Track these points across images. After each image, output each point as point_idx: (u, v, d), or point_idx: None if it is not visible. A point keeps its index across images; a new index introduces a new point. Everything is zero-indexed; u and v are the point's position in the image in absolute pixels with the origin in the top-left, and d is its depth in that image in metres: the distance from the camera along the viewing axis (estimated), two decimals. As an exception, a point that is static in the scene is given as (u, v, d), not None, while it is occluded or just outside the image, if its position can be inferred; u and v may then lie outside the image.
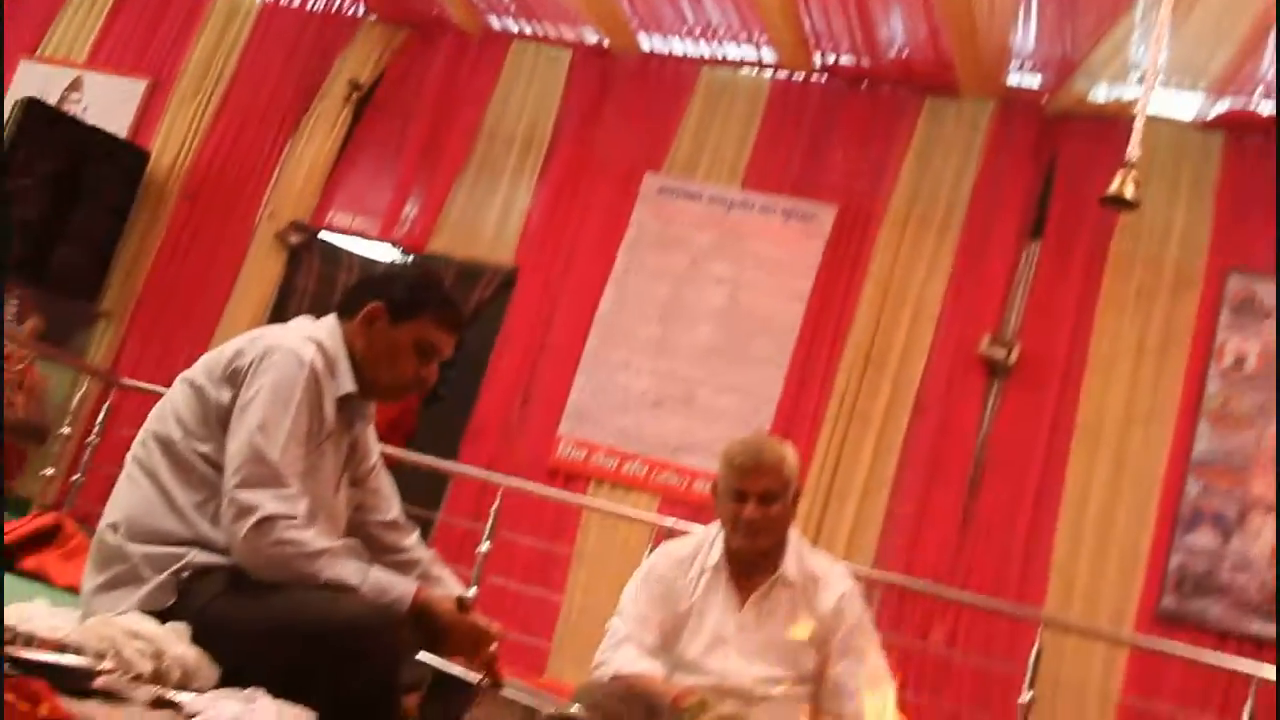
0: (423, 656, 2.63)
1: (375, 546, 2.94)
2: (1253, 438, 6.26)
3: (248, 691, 2.18)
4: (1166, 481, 6.27)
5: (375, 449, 2.96)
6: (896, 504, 6.59)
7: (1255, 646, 5.72)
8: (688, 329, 7.15)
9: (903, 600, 6.38)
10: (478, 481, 6.78)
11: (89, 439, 7.00)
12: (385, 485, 2.98)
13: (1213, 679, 5.69)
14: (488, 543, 5.93)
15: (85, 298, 8.16)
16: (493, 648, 2.65)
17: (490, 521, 5.92)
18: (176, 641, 2.27)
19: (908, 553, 6.49)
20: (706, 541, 3.35)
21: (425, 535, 3.40)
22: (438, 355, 2.88)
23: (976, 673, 6.11)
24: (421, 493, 6.25)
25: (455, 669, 2.63)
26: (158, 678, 2.23)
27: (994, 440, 6.60)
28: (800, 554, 3.31)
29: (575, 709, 2.76)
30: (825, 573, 3.30)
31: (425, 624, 2.59)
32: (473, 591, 5.71)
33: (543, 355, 7.36)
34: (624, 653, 3.18)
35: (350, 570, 2.56)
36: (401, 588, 2.59)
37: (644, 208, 7.41)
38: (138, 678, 2.20)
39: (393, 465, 3.17)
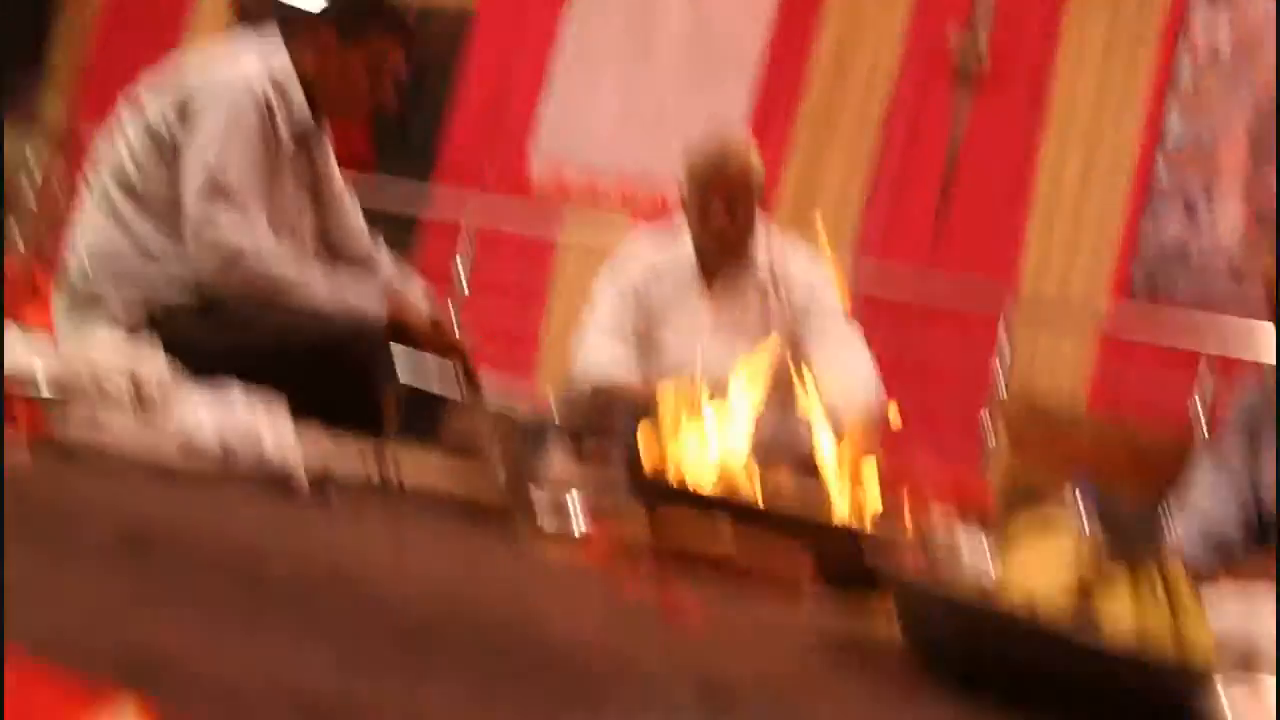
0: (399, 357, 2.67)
1: (344, 257, 2.95)
2: (1222, 120, 6.23)
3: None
4: (1138, 166, 6.28)
5: (337, 175, 2.94)
6: (872, 205, 6.61)
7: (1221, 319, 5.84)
8: (656, 46, 7.02)
9: (878, 311, 6.47)
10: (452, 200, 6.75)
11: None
12: (351, 215, 2.97)
13: (1182, 352, 5.83)
14: (464, 280, 5.94)
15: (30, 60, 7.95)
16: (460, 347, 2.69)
17: (462, 257, 5.92)
18: (152, 359, 2.28)
19: (885, 252, 6.54)
20: (677, 242, 3.34)
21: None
22: (391, 71, 2.83)
23: (953, 364, 6.24)
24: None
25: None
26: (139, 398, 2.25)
27: (967, 138, 6.57)
28: (771, 245, 3.30)
29: (551, 414, 2.82)
30: (796, 259, 3.31)
31: (398, 334, 2.63)
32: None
33: (509, 77, 7.24)
34: (598, 358, 3.22)
35: (321, 294, 2.58)
36: (375, 304, 2.62)
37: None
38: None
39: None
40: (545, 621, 1.32)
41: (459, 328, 2.78)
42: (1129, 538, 1.56)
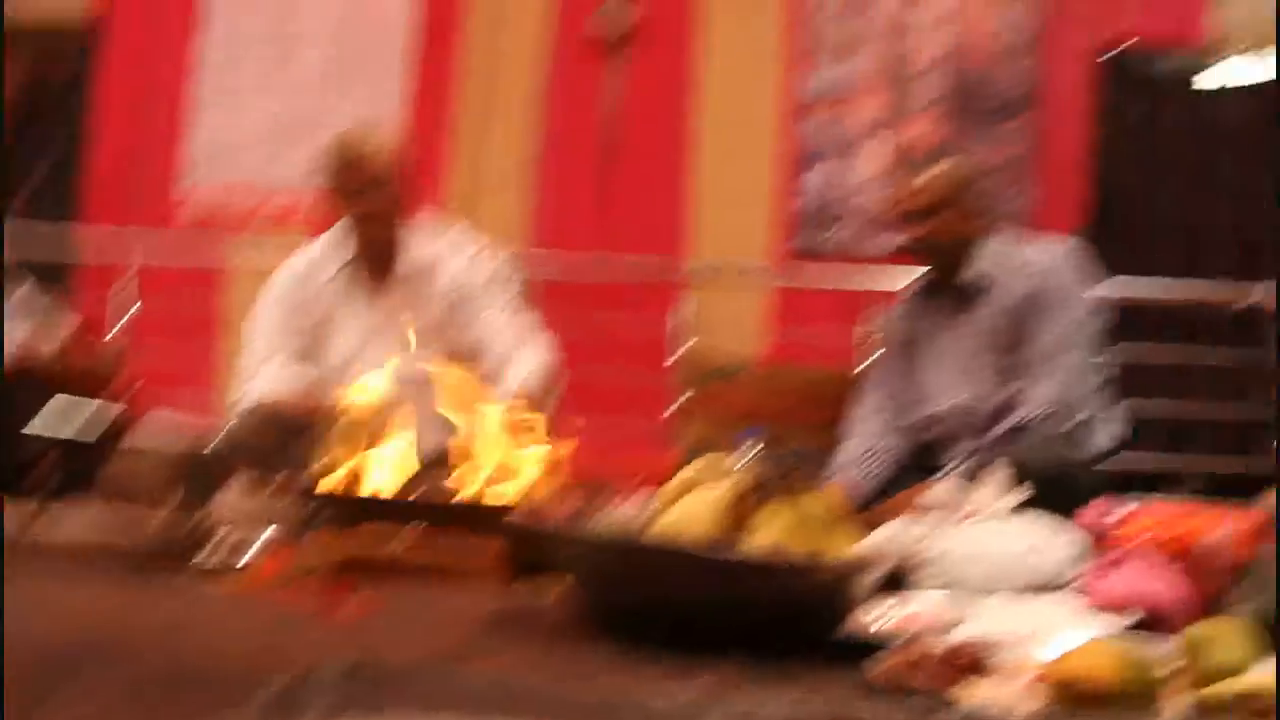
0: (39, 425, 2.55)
1: None
2: (854, 66, 6.59)
3: None
4: (784, 121, 6.56)
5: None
6: (535, 191, 6.68)
7: (879, 263, 6.20)
8: (298, 53, 6.85)
9: (549, 291, 6.56)
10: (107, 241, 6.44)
11: None
12: None
13: (847, 297, 6.16)
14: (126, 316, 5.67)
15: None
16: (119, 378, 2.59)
17: (124, 292, 5.65)
18: None
19: (554, 237, 6.62)
20: (331, 245, 3.30)
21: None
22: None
23: (634, 339, 6.38)
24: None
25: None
26: None
27: (621, 110, 6.71)
28: (425, 236, 3.29)
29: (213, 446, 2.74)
30: (452, 243, 3.31)
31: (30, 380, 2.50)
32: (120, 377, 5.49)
33: (148, 106, 6.93)
34: (259, 380, 3.14)
35: None
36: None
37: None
38: None
39: None
40: (190, 644, 1.29)
41: (116, 366, 2.65)
42: (787, 476, 1.64)
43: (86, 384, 2.58)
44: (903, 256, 3.15)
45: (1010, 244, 3.03)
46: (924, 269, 3.09)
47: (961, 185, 2.99)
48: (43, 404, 2.57)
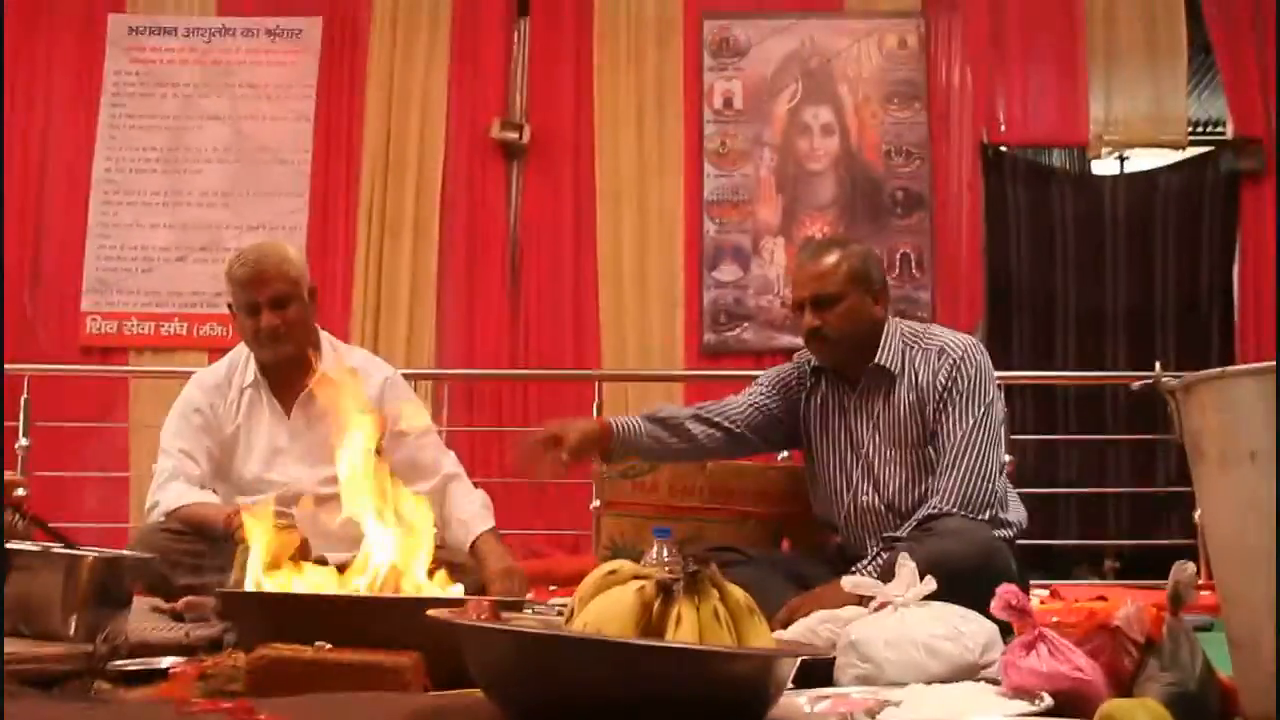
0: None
1: None
2: (752, 171, 6.73)
3: None
4: (687, 226, 6.67)
5: None
6: (445, 304, 6.69)
7: (785, 357, 6.27)
8: (195, 175, 6.83)
9: (471, 394, 6.55)
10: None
11: None
12: None
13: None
14: (25, 439, 5.54)
15: None
16: (18, 491, 2.52)
17: (22, 413, 5.53)
18: None
19: (467, 348, 6.63)
20: (239, 361, 3.28)
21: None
22: None
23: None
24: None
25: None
26: None
27: (525, 222, 6.77)
28: (337, 351, 3.30)
29: (126, 553, 2.69)
30: (364, 364, 3.31)
31: None
32: (21, 492, 5.36)
33: (43, 231, 6.85)
34: (172, 488, 3.12)
35: None
36: None
37: (117, 53, 6.91)
38: None
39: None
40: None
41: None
42: (694, 574, 1.64)
43: None
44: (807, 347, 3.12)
45: (913, 334, 3.03)
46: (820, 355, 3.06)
47: (859, 273, 2.99)
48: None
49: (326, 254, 6.60)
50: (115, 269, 6.77)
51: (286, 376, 3.22)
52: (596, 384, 5.79)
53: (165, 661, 2.20)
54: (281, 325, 3.11)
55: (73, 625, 2.33)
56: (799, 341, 3.15)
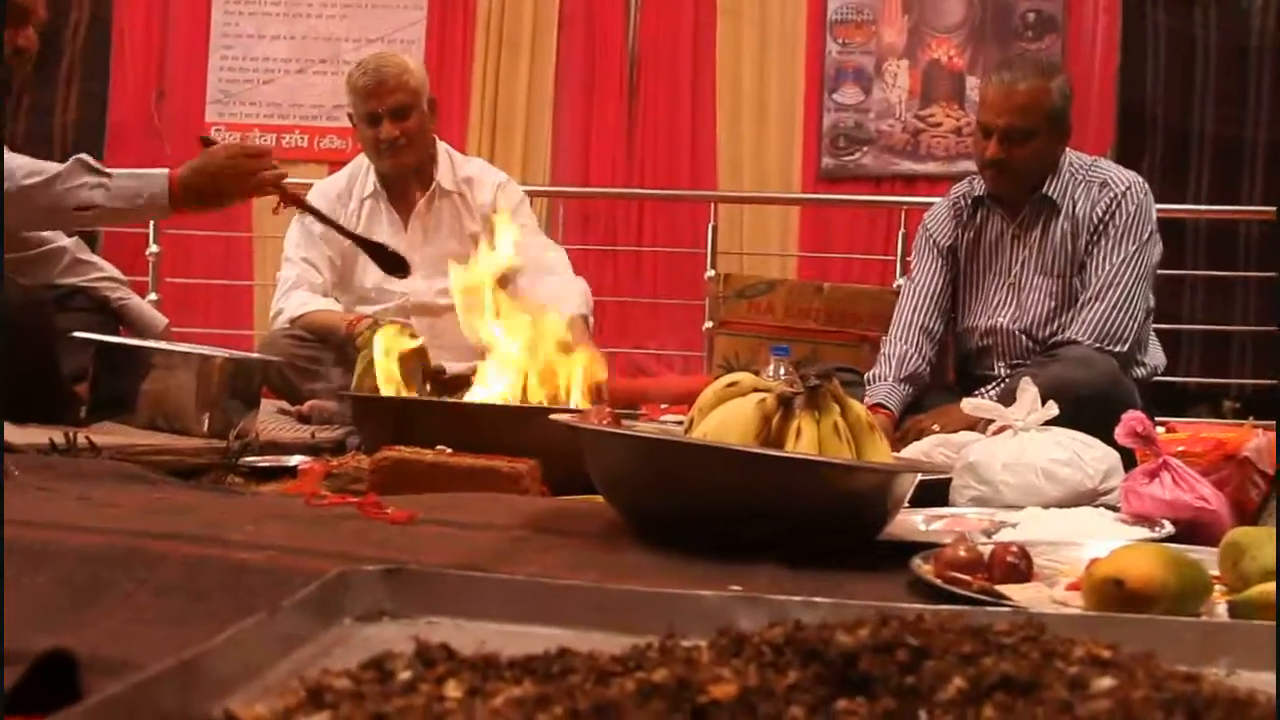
0: (82, 335, 2.57)
1: (9, 239, 2.79)
2: (878, -13, 6.51)
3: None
4: (809, 46, 6.50)
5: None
6: (561, 121, 6.63)
7: (905, 184, 6.15)
8: (316, -16, 6.81)
9: (586, 212, 6.55)
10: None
11: None
12: None
13: (872, 220, 6.13)
14: (155, 246, 5.68)
15: None
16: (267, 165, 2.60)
17: (152, 222, 5.65)
18: None
19: (582, 165, 6.60)
20: (359, 171, 3.31)
21: (93, 248, 3.26)
22: (28, 17, 2.60)
23: (665, 264, 6.37)
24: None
25: (120, 340, 2.59)
26: None
27: (643, 39, 6.65)
28: (453, 163, 3.32)
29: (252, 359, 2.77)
30: (479, 172, 3.33)
31: (199, 185, 2.51)
32: (153, 297, 5.52)
33: (168, 42, 6.90)
34: (296, 297, 3.18)
35: (90, 185, 2.43)
36: (151, 181, 2.49)
37: None
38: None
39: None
40: (231, 539, 1.30)
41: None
42: (816, 387, 1.63)
43: (250, 168, 2.58)
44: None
45: (1081, 166, 2.93)
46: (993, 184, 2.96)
47: (1057, 111, 2.86)
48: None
49: (444, 68, 6.55)
50: (237, 80, 6.82)
51: (405, 188, 3.25)
52: (711, 206, 5.73)
53: (293, 460, 2.27)
54: (401, 136, 3.13)
55: (206, 422, 2.43)
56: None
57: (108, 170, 2.50)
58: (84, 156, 2.54)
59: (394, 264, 2.76)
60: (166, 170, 2.52)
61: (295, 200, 2.67)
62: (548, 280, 3.22)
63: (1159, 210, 5.48)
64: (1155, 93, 6.39)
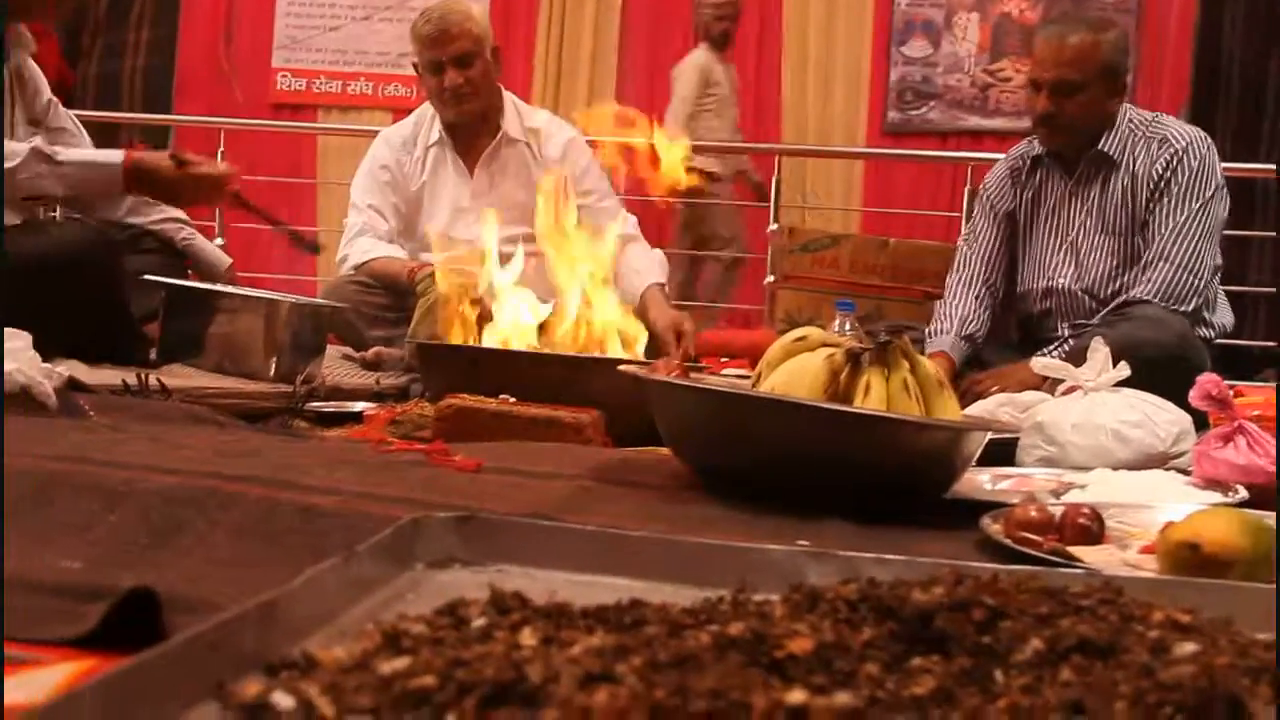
0: (152, 277, 2.60)
1: None
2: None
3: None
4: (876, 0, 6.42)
5: (44, 85, 2.78)
6: (626, 70, 6.60)
7: (972, 139, 6.07)
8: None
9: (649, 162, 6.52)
10: (199, 132, 6.48)
11: None
12: (68, 122, 2.82)
13: (938, 175, 6.06)
14: (222, 189, 5.72)
15: None
16: (231, 184, 2.62)
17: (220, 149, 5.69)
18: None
19: (647, 113, 6.56)
20: (425, 119, 3.31)
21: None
22: None
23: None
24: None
25: (189, 282, 2.62)
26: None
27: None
28: (519, 112, 3.31)
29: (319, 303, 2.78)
30: (547, 125, 3.32)
31: (149, 184, 2.53)
32: (219, 241, 5.57)
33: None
34: (361, 243, 3.20)
35: (43, 174, 2.46)
36: (106, 159, 2.52)
37: None
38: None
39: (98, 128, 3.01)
40: (303, 483, 1.31)
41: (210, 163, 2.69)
42: (885, 343, 1.62)
43: (209, 189, 2.61)
44: (1001, 133, 2.98)
45: (1141, 122, 2.87)
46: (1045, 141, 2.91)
47: (1109, 65, 2.79)
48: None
49: (510, 16, 6.54)
50: (304, 26, 6.84)
51: (470, 136, 3.24)
52: (776, 158, 5.68)
53: (358, 406, 2.29)
54: (465, 84, 3.13)
55: (272, 366, 2.45)
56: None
57: (60, 159, 2.51)
58: (39, 145, 2.54)
59: (306, 245, 2.77)
60: (120, 160, 2.52)
61: (244, 204, 2.68)
62: (627, 248, 3.22)
63: (1229, 168, 5.34)
64: (1232, 48, 6.25)
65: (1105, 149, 2.82)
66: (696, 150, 4.57)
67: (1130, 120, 2.85)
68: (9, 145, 2.45)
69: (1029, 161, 2.96)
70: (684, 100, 5.54)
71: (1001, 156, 3.13)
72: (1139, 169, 2.81)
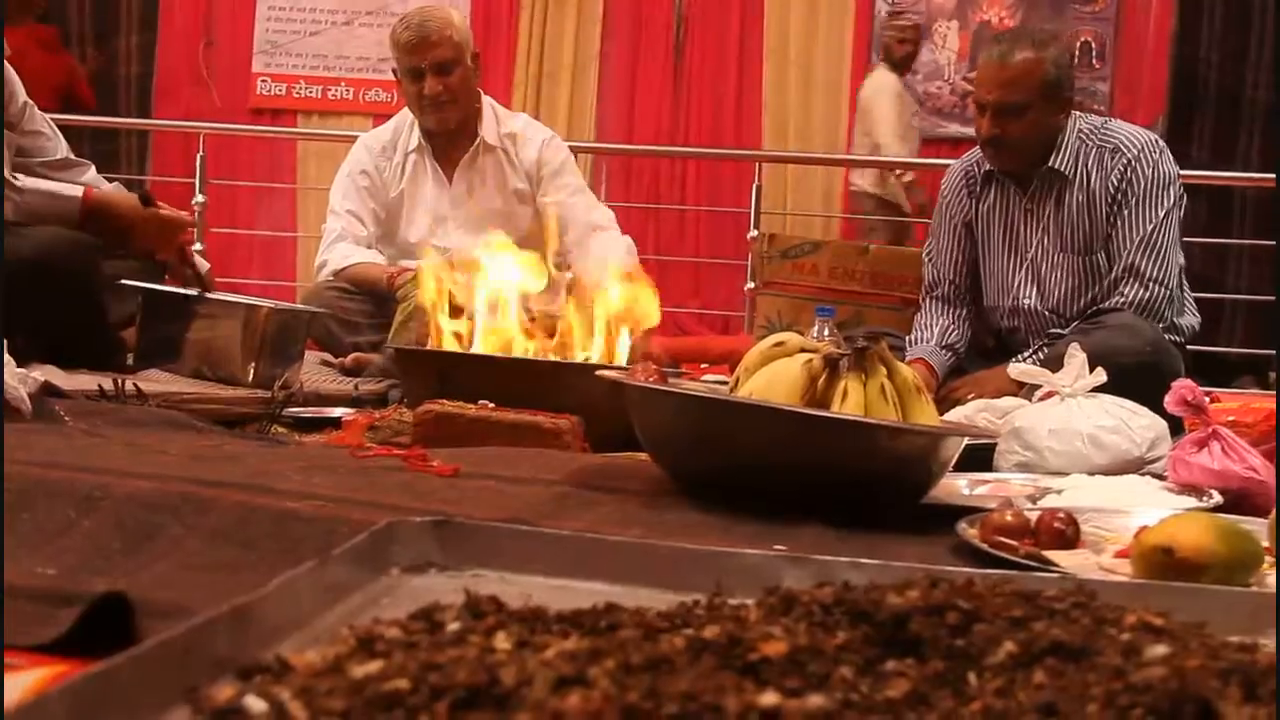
0: (128, 282, 2.59)
1: None
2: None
3: None
4: (858, 4, 6.44)
5: (19, 88, 2.77)
6: (607, 77, 6.61)
7: (951, 146, 6.08)
8: (363, -65, 6.80)
9: (629, 170, 6.53)
10: (178, 137, 6.47)
11: None
12: (44, 125, 2.81)
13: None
14: (201, 195, 5.71)
15: None
16: (185, 236, 2.62)
17: (198, 170, 5.69)
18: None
19: (626, 121, 6.58)
20: (404, 125, 3.31)
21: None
22: None
23: (708, 223, 6.36)
24: (123, 160, 5.98)
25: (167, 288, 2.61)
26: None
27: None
28: (497, 118, 3.31)
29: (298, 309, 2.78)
30: (524, 128, 3.32)
31: (105, 223, 2.53)
32: (198, 246, 5.56)
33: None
34: (340, 248, 3.19)
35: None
36: (67, 192, 2.52)
37: None
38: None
39: (78, 133, 3.00)
40: (279, 488, 1.30)
41: (169, 209, 2.68)
42: (863, 349, 1.62)
43: (165, 234, 2.62)
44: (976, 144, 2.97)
45: (1091, 131, 2.86)
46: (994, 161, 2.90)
47: (1050, 83, 2.76)
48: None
49: (491, 22, 6.54)
50: (284, 31, 6.83)
51: (449, 142, 3.24)
52: (756, 165, 5.70)
53: (336, 411, 2.29)
54: (444, 91, 3.12)
55: (251, 372, 2.44)
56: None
57: (20, 186, 2.52)
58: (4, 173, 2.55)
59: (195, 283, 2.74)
60: (80, 195, 2.54)
61: (192, 267, 2.68)
62: (595, 236, 3.22)
63: (1208, 176, 5.33)
64: (1210, 58, 6.29)
65: (1057, 165, 2.81)
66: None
67: (1079, 131, 2.83)
68: None
69: (981, 173, 2.95)
70: (889, 122, 5.60)
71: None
72: (1094, 184, 2.80)
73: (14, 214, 2.47)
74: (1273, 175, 6.05)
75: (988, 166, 2.92)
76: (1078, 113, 2.88)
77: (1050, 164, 2.81)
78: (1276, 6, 6.17)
